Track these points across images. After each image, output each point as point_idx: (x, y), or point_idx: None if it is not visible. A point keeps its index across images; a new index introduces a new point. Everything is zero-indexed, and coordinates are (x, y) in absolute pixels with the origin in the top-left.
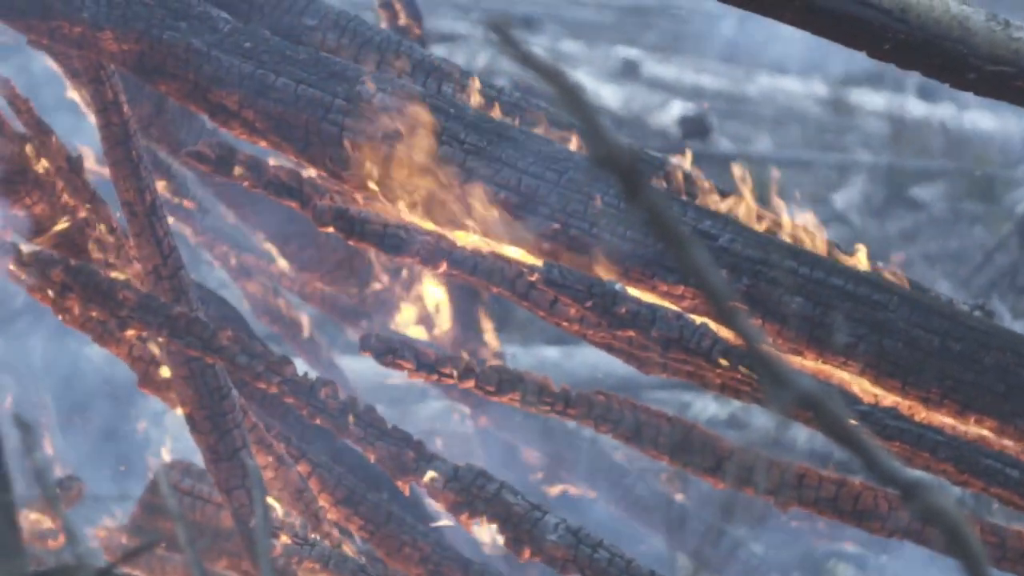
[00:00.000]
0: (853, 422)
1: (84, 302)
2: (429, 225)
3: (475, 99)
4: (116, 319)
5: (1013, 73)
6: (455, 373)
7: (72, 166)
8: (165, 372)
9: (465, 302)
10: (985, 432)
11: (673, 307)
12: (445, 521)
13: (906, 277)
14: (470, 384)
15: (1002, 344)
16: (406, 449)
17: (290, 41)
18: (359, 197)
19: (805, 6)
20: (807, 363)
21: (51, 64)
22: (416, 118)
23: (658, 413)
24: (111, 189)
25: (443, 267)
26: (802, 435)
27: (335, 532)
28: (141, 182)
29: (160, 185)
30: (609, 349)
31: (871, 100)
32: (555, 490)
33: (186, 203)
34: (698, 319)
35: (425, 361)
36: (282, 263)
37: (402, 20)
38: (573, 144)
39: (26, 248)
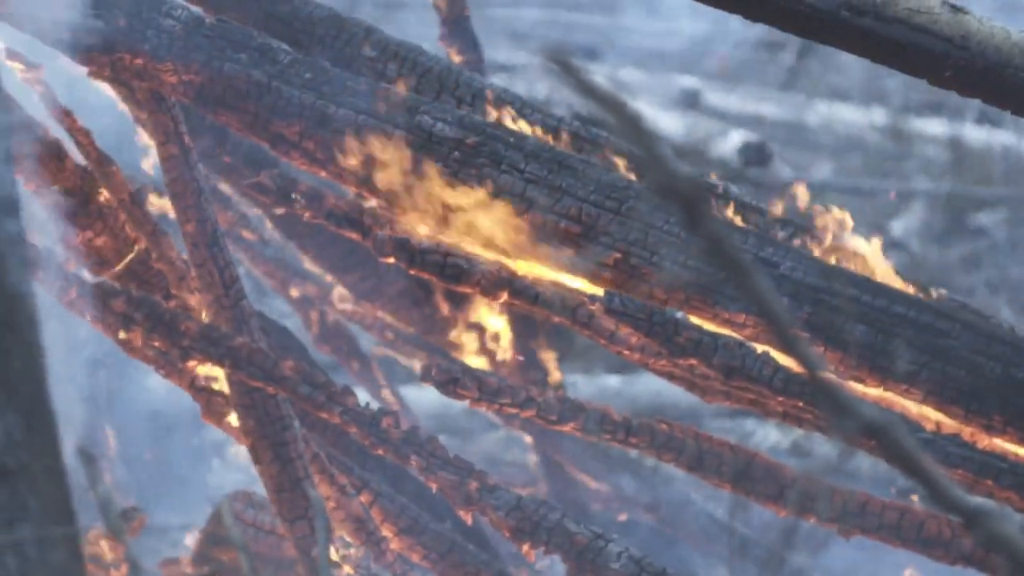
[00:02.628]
0: (916, 449)
1: (146, 333)
2: (490, 254)
3: (535, 128)
4: (178, 350)
5: None
6: (516, 402)
7: (134, 198)
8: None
9: (526, 331)
10: None
11: (735, 335)
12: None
13: (968, 304)
14: (531, 413)
15: None
16: (468, 479)
17: (350, 72)
18: (420, 227)
19: (866, 35)
20: (869, 391)
21: (112, 95)
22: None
23: (720, 441)
24: (173, 220)
25: (504, 296)
26: (865, 462)
27: (398, 562)
28: (202, 213)
29: (221, 216)
30: (671, 377)
31: (931, 127)
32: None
33: (247, 234)
34: (760, 347)
35: (487, 390)
36: (343, 293)
37: (461, 50)
38: (633, 173)
39: (89, 279)
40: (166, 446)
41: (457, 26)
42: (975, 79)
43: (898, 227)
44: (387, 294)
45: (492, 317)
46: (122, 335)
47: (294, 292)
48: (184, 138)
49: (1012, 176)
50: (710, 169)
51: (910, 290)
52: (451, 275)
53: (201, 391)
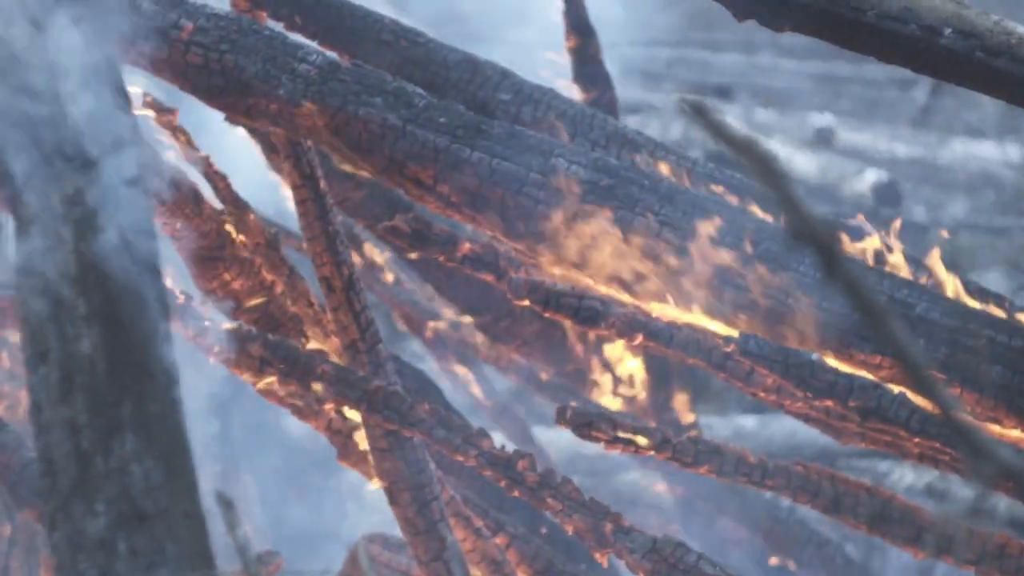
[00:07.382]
0: None
1: (283, 376)
2: (625, 297)
3: (669, 170)
4: (315, 393)
5: None
6: (652, 444)
7: (270, 242)
8: (363, 444)
9: (661, 372)
10: None
11: (871, 377)
12: None
13: None
14: (667, 455)
15: None
16: (603, 521)
17: (484, 115)
18: (555, 270)
19: (1001, 76)
20: (1006, 432)
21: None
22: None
23: (856, 483)
24: (309, 264)
25: (639, 339)
26: (1003, 504)
27: None
28: (338, 256)
29: (356, 259)
30: (806, 419)
31: None
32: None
33: (385, 277)
34: (896, 388)
35: (621, 432)
36: (478, 335)
37: (595, 91)
38: (769, 215)
39: (226, 324)
40: (302, 488)
41: (590, 67)
42: None
43: None
44: (522, 336)
45: (627, 359)
46: (259, 379)
47: (429, 335)
48: (319, 182)
49: None
50: (844, 208)
51: None
52: (586, 317)
53: (338, 434)
